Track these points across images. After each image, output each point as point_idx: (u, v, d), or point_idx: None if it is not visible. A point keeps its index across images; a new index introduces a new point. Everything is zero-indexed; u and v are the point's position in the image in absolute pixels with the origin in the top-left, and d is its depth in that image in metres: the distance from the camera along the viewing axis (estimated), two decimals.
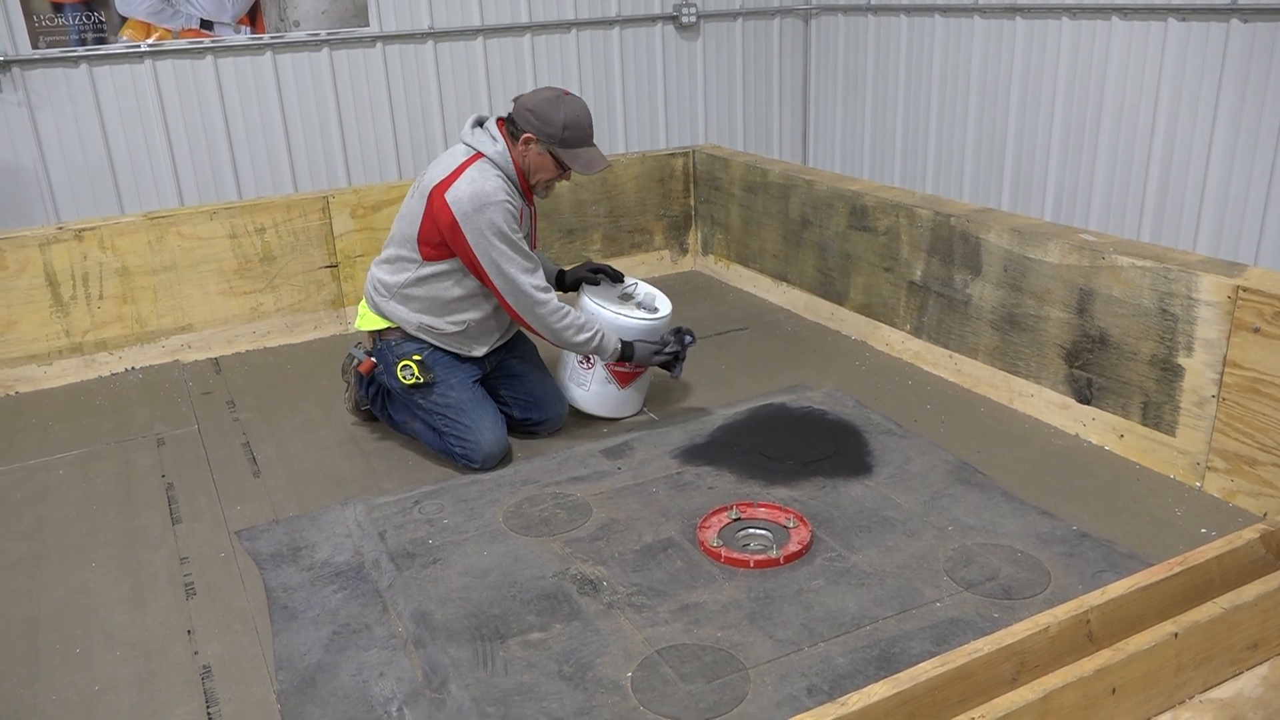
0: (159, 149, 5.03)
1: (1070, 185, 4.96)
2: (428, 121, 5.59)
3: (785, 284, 4.63)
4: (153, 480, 3.22)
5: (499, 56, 5.65)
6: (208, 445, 3.45)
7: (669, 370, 3.37)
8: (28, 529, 2.95)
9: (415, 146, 5.60)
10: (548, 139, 3.03)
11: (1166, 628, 1.76)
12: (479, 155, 3.06)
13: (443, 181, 3.02)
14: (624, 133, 6.08)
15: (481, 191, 2.97)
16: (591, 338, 3.18)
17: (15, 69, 4.65)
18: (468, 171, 3.02)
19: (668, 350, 3.32)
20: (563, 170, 3.11)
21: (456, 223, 2.98)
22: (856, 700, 1.55)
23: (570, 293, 3.53)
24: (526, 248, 3.08)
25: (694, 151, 5.20)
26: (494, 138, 3.08)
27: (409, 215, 3.11)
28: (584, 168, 3.10)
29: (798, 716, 1.52)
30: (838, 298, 4.29)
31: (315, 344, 4.38)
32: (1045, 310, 3.32)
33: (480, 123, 3.15)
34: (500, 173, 3.06)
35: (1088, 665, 1.66)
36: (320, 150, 5.37)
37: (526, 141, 3.05)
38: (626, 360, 3.27)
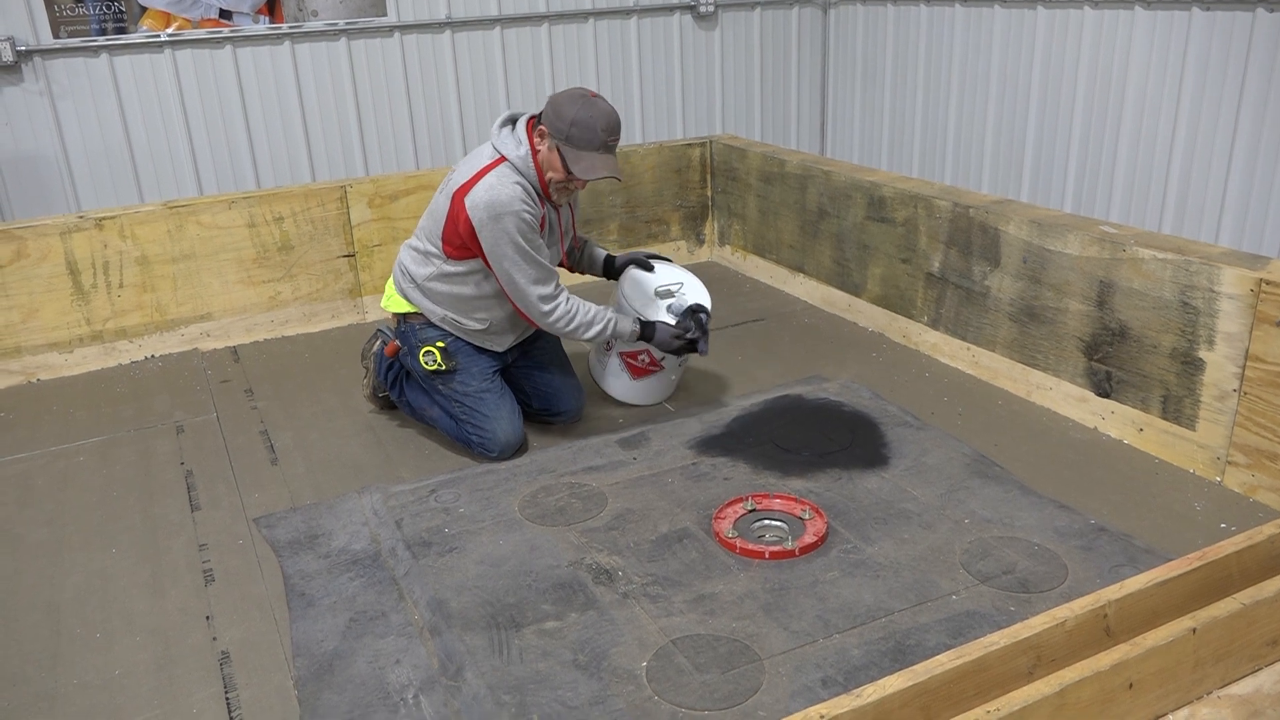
0: (178, 138, 5.06)
1: (1091, 176, 4.92)
2: (445, 111, 5.60)
3: (802, 275, 4.62)
4: (172, 467, 3.24)
5: (516, 46, 5.65)
6: (226, 433, 3.47)
7: (695, 351, 3.34)
8: (49, 514, 2.98)
9: (433, 136, 5.61)
10: (555, 133, 2.94)
11: (1185, 623, 1.74)
12: (502, 159, 3.01)
13: (464, 185, 3.00)
14: (641, 123, 6.07)
15: (497, 200, 2.93)
16: (603, 330, 3.16)
17: (37, 58, 4.68)
18: (487, 177, 2.98)
19: (689, 336, 3.28)
20: (568, 172, 2.98)
21: (474, 229, 2.98)
22: (871, 692, 1.55)
23: (614, 279, 3.51)
24: (542, 256, 3.04)
25: (711, 142, 5.19)
26: (519, 141, 3.02)
27: (436, 212, 3.11)
28: (583, 171, 2.96)
29: (812, 708, 1.52)
30: (855, 289, 4.28)
31: (333, 333, 4.40)
32: (1064, 303, 3.29)
33: (513, 121, 3.09)
34: (521, 179, 2.99)
35: (1105, 660, 1.65)
36: (338, 140, 5.39)
37: (541, 135, 2.98)
38: (647, 340, 3.25)
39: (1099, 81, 4.78)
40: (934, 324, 3.87)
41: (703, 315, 3.33)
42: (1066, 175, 5.04)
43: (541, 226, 3.07)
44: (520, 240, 2.97)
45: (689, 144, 5.16)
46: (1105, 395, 3.21)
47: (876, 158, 6.28)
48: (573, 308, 3.12)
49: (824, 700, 1.59)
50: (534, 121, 3.05)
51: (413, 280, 3.18)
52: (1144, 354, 3.06)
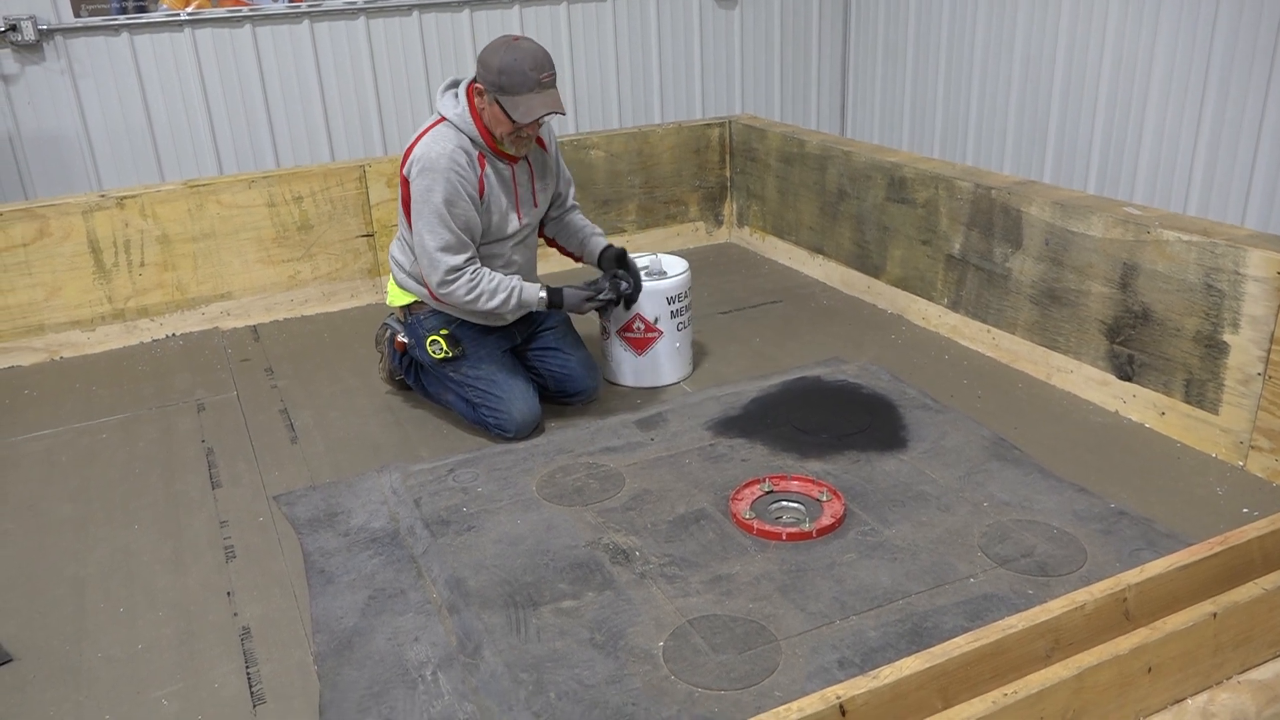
0: (198, 117, 5.07)
1: (1115, 157, 4.86)
2: None
3: (821, 256, 4.59)
4: (193, 445, 3.27)
5: (535, 26, 5.62)
6: (246, 411, 3.49)
7: (603, 313, 3.35)
8: (73, 491, 3.02)
9: None
10: (489, 86, 2.89)
11: (1205, 607, 1.73)
12: (441, 120, 3.00)
13: (407, 150, 3.00)
14: (660, 103, 6.04)
15: (427, 156, 2.92)
16: (508, 298, 3.07)
17: (58, 37, 4.70)
18: (425, 137, 2.97)
19: (601, 297, 3.23)
20: (512, 120, 2.91)
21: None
22: (888, 674, 1.55)
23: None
24: (458, 225, 2.97)
25: (730, 122, 5.16)
26: (457, 99, 2.99)
27: (400, 193, 3.12)
28: (522, 115, 2.88)
29: (829, 689, 1.52)
30: (874, 270, 4.25)
31: (352, 312, 4.42)
32: (1087, 285, 3.26)
33: (456, 84, 3.06)
34: (460, 137, 2.96)
35: (1124, 644, 1.65)
36: (357, 119, 5.38)
37: (479, 93, 2.93)
38: (556, 307, 3.19)
39: (1124, 60, 4.72)
40: (954, 306, 3.84)
41: (622, 284, 3.26)
42: (1090, 156, 4.98)
43: (480, 190, 3.02)
44: (440, 202, 2.92)
45: (708, 124, 5.13)
46: (1127, 379, 3.19)
47: (897, 138, 6.22)
48: (477, 279, 3.03)
49: (841, 681, 1.59)
50: (475, 83, 3.02)
51: (404, 270, 3.20)
52: (1167, 337, 3.03)
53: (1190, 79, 4.45)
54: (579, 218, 3.47)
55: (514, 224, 3.17)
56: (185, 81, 5.00)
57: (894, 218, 4.08)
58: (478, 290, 3.03)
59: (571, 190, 3.47)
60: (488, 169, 3.04)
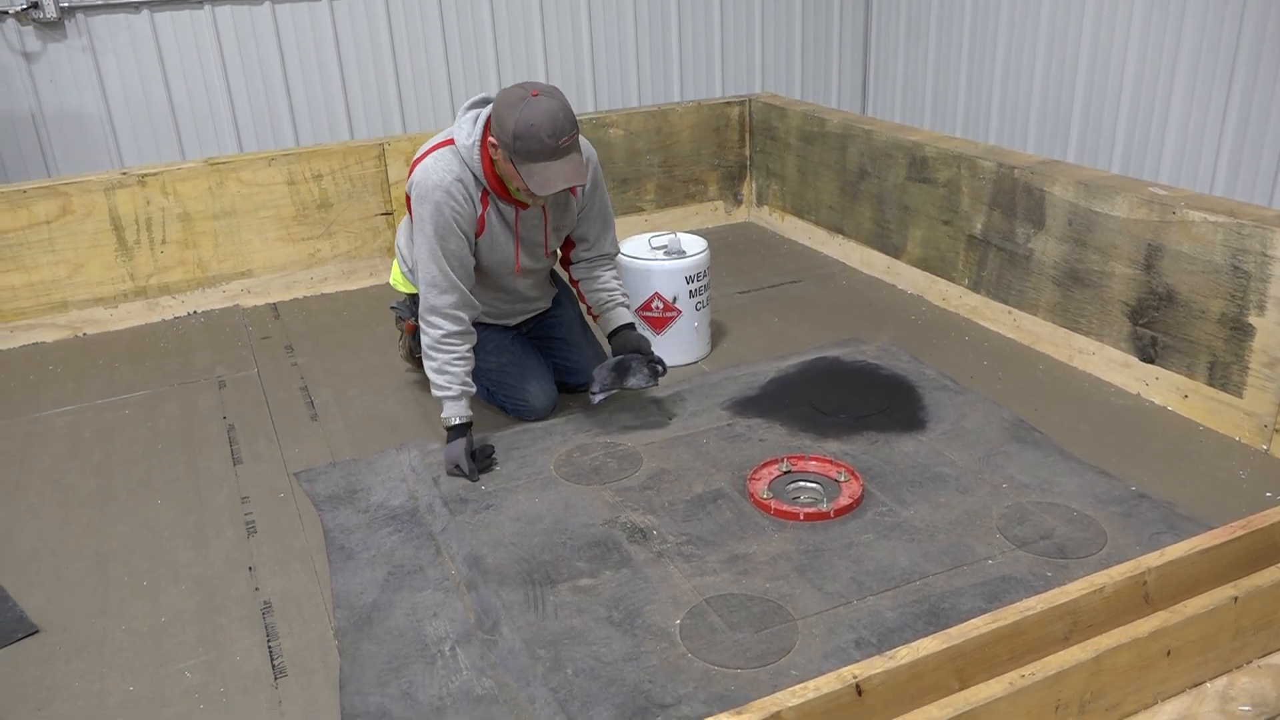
0: (219, 95, 5.07)
1: (1140, 136, 4.80)
2: (483, 69, 5.57)
3: (841, 236, 4.57)
4: (214, 421, 3.30)
5: (554, 4, 5.59)
6: (267, 388, 3.52)
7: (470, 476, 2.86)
8: (97, 466, 3.05)
9: (470, 93, 5.58)
10: (504, 147, 2.65)
11: (1226, 591, 1.72)
12: (451, 141, 2.82)
13: (418, 158, 2.87)
14: (680, 80, 6.00)
15: (424, 183, 2.77)
16: (434, 380, 2.86)
17: (80, 15, 4.71)
18: (430, 156, 2.82)
19: (463, 470, 2.82)
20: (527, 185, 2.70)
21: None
22: (905, 654, 1.55)
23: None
24: (451, 263, 2.80)
25: (750, 100, 5.12)
26: (474, 127, 2.78)
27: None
28: (538, 186, 2.65)
29: (845, 668, 1.52)
30: (895, 251, 4.22)
31: (371, 290, 4.43)
32: (1110, 266, 3.23)
33: (484, 104, 2.85)
34: (462, 167, 2.78)
35: (1143, 626, 1.64)
36: (376, 97, 5.38)
37: (493, 146, 2.71)
38: (446, 439, 2.90)
39: (1151, 37, 4.64)
40: (975, 287, 3.81)
41: (490, 458, 2.92)
42: (1115, 135, 4.91)
43: (481, 227, 2.86)
44: (432, 235, 2.77)
45: (728, 102, 5.10)
46: (1150, 361, 3.16)
47: (919, 117, 6.16)
48: (444, 344, 2.83)
49: (857, 661, 1.59)
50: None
51: (407, 265, 3.15)
52: (1191, 319, 3.00)
53: (1218, 56, 4.38)
54: (610, 277, 3.19)
55: (511, 267, 3.00)
56: (205, 59, 5.01)
57: (915, 197, 4.04)
58: (432, 353, 2.85)
59: (610, 236, 3.18)
60: (490, 208, 2.87)
